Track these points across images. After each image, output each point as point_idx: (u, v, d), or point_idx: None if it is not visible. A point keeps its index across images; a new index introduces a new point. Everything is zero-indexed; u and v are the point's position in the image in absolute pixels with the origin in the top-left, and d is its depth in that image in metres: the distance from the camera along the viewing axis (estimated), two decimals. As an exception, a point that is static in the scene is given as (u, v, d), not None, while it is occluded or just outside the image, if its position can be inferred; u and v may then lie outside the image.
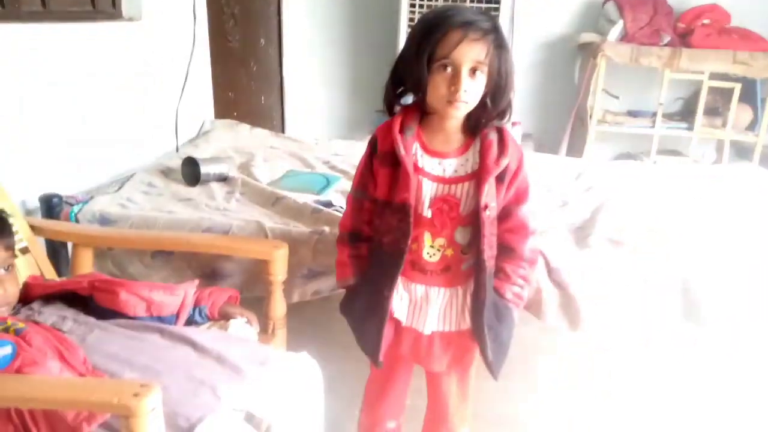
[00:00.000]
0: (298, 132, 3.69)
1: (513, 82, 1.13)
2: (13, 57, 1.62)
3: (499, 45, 1.08)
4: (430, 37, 1.06)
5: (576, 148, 3.36)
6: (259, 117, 3.36)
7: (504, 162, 1.13)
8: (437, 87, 1.08)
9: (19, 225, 1.39)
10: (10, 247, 1.18)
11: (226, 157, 2.17)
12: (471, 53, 1.05)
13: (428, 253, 1.19)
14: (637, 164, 2.55)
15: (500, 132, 1.16)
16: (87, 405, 0.88)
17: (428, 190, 1.15)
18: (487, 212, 1.13)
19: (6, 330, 1.07)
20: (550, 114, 3.57)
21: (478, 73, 1.07)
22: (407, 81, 1.14)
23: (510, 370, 1.97)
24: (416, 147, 1.16)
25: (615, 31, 3.12)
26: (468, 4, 3.05)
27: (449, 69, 1.06)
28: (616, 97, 3.35)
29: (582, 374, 2.03)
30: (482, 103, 1.13)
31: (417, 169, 1.15)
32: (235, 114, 2.98)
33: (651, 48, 3.04)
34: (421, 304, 1.22)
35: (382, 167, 1.17)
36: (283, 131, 3.61)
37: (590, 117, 3.17)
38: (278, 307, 1.46)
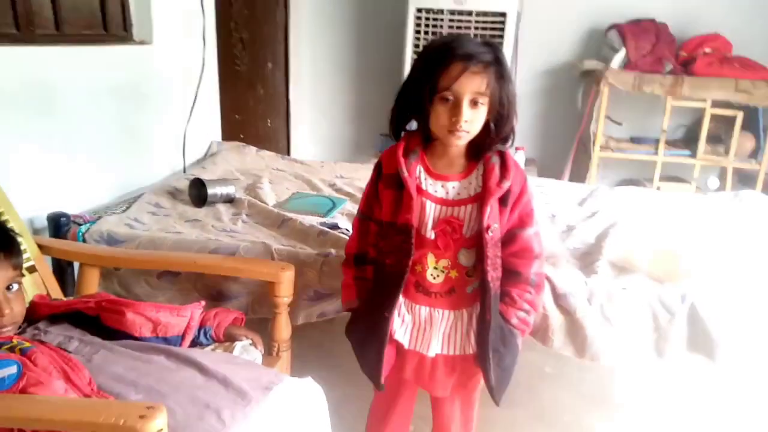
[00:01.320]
0: (304, 155, 3.72)
1: (515, 110, 1.16)
2: (26, 79, 1.64)
3: (501, 76, 1.10)
4: (433, 69, 1.09)
5: (579, 174, 3.37)
6: (265, 140, 3.39)
7: (506, 185, 1.14)
8: (439, 117, 1.11)
9: (26, 244, 1.40)
10: (18, 266, 1.18)
11: (232, 179, 2.19)
12: (472, 85, 1.07)
13: (432, 275, 1.19)
14: (641, 190, 2.55)
15: (502, 156, 1.17)
16: (93, 427, 0.87)
17: (431, 211, 1.17)
18: (490, 233, 1.14)
19: (12, 349, 1.07)
20: (554, 140, 3.60)
21: (479, 103, 1.09)
22: (411, 108, 1.17)
23: (515, 397, 1.97)
24: (420, 170, 1.18)
25: (618, 59, 3.15)
26: (473, 30, 3.09)
27: (450, 100, 1.09)
28: (619, 124, 3.37)
29: (589, 402, 2.00)
30: (485, 129, 1.16)
31: (420, 191, 1.17)
32: (242, 136, 3.01)
33: (653, 76, 3.07)
34: (425, 327, 1.22)
35: (387, 189, 1.19)
36: (288, 154, 3.63)
37: (593, 143, 3.19)
38: (284, 329, 1.45)
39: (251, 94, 3.21)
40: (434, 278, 1.20)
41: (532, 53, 3.45)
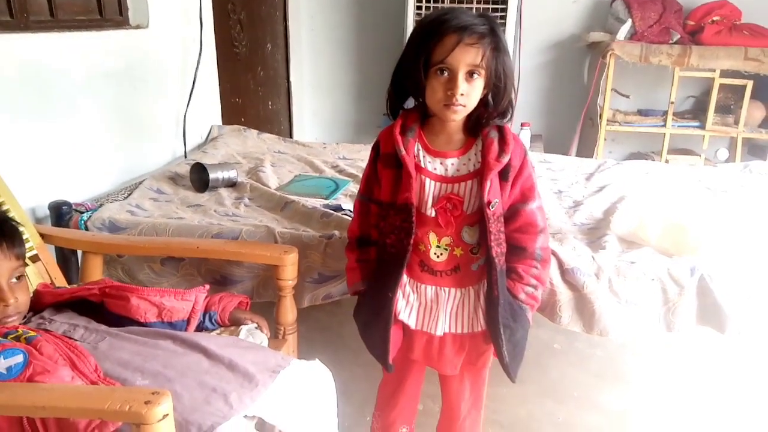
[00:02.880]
0: (306, 137, 3.69)
1: (512, 82, 1.14)
2: (22, 66, 1.62)
3: (496, 47, 1.08)
4: (427, 42, 1.07)
5: (586, 149, 3.33)
6: (267, 122, 3.37)
7: (505, 159, 1.12)
8: (435, 91, 1.09)
9: (29, 233, 1.39)
10: (20, 256, 1.18)
11: (234, 163, 2.17)
12: (467, 57, 1.05)
13: (435, 254, 1.19)
14: (649, 163, 2.52)
15: (501, 130, 1.15)
16: (98, 413, 0.87)
17: (431, 189, 1.16)
18: (491, 208, 1.13)
19: (17, 339, 1.07)
20: (560, 115, 3.55)
21: (475, 76, 1.08)
22: (407, 85, 1.15)
23: (524, 374, 1.96)
24: (418, 148, 1.17)
25: (624, 30, 3.09)
26: (474, 5, 3.03)
27: (446, 73, 1.07)
28: (627, 96, 3.32)
29: (597, 378, 2.00)
30: (483, 104, 1.14)
31: (419, 169, 1.16)
32: (243, 120, 2.99)
33: (661, 46, 3.02)
34: (431, 306, 1.21)
35: (385, 169, 1.18)
36: (290, 136, 3.61)
37: (600, 117, 3.14)
38: (289, 312, 1.44)
39: (251, 77, 3.18)
40: (438, 257, 1.19)
41: (537, 27, 3.39)
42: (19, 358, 1.02)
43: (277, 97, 3.50)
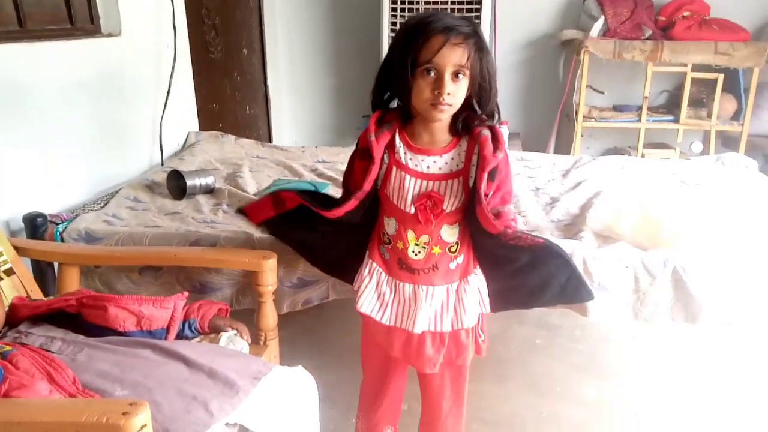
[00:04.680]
0: (285, 141, 3.68)
1: (496, 83, 1.16)
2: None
3: (480, 48, 1.10)
4: (413, 43, 1.08)
5: (564, 146, 3.37)
6: (245, 127, 3.35)
7: (500, 156, 1.13)
8: (421, 91, 1.10)
9: (3, 247, 1.37)
10: (-7, 270, 1.17)
11: (211, 169, 2.16)
12: (453, 57, 1.07)
13: (413, 251, 1.20)
14: (624, 158, 2.56)
15: (493, 130, 1.17)
16: (75, 427, 0.86)
17: (411, 186, 1.17)
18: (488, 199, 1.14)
19: (-8, 354, 1.05)
20: (537, 112, 3.59)
21: (460, 76, 1.09)
22: (392, 86, 1.17)
23: (506, 369, 1.99)
24: (399, 145, 1.18)
25: (597, 27, 3.13)
26: (449, 6, 3.05)
27: (432, 73, 1.08)
28: (602, 93, 3.37)
29: (580, 372, 2.02)
30: (467, 105, 1.16)
31: (400, 165, 1.17)
32: (220, 125, 2.97)
33: (633, 42, 3.06)
34: (409, 304, 1.22)
35: (361, 161, 1.20)
36: (269, 140, 3.59)
37: (576, 113, 3.18)
38: (269, 318, 1.44)
39: (227, 82, 3.16)
40: (416, 255, 1.20)
41: (511, 26, 3.42)
42: (-7, 374, 1.01)
43: (254, 102, 3.48)
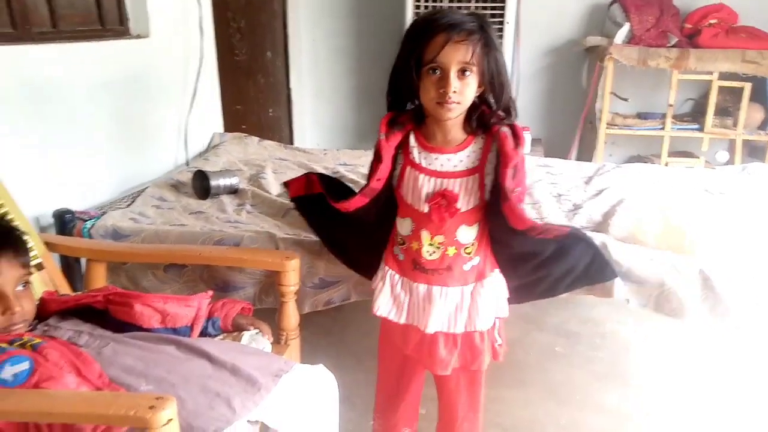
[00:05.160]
0: (306, 143, 3.71)
1: (506, 78, 1.15)
2: (25, 77, 1.64)
3: (486, 44, 1.09)
4: (417, 43, 1.09)
5: (586, 153, 3.34)
6: (267, 129, 3.38)
7: (521, 152, 1.13)
8: (427, 90, 1.10)
9: (33, 242, 1.40)
10: (26, 265, 1.19)
11: (235, 170, 2.19)
12: (457, 55, 1.07)
13: (428, 251, 1.19)
14: (648, 166, 2.53)
15: (512, 127, 1.16)
16: (104, 419, 0.88)
17: (424, 184, 1.17)
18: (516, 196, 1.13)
19: (23, 346, 1.08)
20: (559, 119, 3.57)
21: (467, 73, 1.09)
22: (401, 87, 1.17)
23: (525, 376, 1.98)
24: (414, 144, 1.18)
25: (621, 34, 3.11)
26: (473, 9, 3.05)
27: (437, 72, 1.08)
28: (625, 100, 3.34)
29: (600, 380, 2.01)
30: (482, 101, 1.16)
31: (413, 165, 1.18)
32: (244, 127, 3.00)
33: (659, 49, 3.03)
34: (423, 304, 1.22)
35: (376, 163, 1.21)
36: (291, 143, 3.62)
37: (599, 120, 3.16)
38: (291, 317, 1.46)
39: (251, 84, 3.20)
40: (430, 255, 1.19)
41: (534, 32, 3.41)
42: (25, 365, 1.03)
43: (277, 104, 3.51)
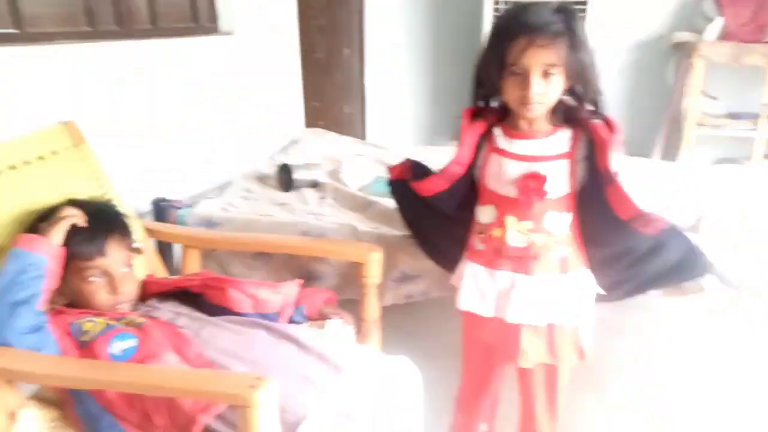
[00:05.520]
0: (380, 140, 3.74)
1: (594, 74, 1.11)
2: (128, 71, 1.74)
3: (572, 45, 1.06)
4: (500, 43, 1.08)
5: (670, 153, 3.21)
6: (342, 125, 3.44)
7: (618, 137, 1.10)
8: (510, 91, 1.10)
9: (136, 227, 1.49)
10: (130, 248, 1.27)
11: (316, 164, 2.24)
12: (540, 58, 1.05)
13: (513, 238, 1.17)
14: (740, 168, 2.40)
15: (605, 118, 1.14)
16: (207, 395, 0.93)
17: (510, 169, 1.16)
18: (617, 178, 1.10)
19: (128, 324, 1.15)
20: (641, 118, 3.43)
21: (551, 74, 1.07)
22: (486, 85, 1.17)
23: (605, 382, 1.92)
24: (499, 133, 1.18)
25: (713, 29, 2.95)
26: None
27: (520, 73, 1.07)
28: (715, 99, 3.17)
29: (686, 393, 1.92)
30: (570, 93, 1.14)
31: (498, 150, 1.17)
32: (320, 123, 3.07)
33: (754, 46, 2.86)
34: (507, 293, 1.19)
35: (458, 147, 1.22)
36: (364, 139, 3.67)
37: (686, 120, 3.02)
38: (372, 309, 1.48)
39: (329, 81, 3.26)
40: (516, 242, 1.17)
41: (618, 27, 3.29)
42: (132, 342, 1.10)
43: (352, 101, 3.57)
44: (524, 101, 1.08)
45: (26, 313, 1.04)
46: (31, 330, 1.04)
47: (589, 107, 1.14)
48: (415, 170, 1.32)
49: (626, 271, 1.23)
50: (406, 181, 1.31)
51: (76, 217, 1.18)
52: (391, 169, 1.39)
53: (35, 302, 1.06)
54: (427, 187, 1.25)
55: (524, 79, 1.06)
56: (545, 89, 1.07)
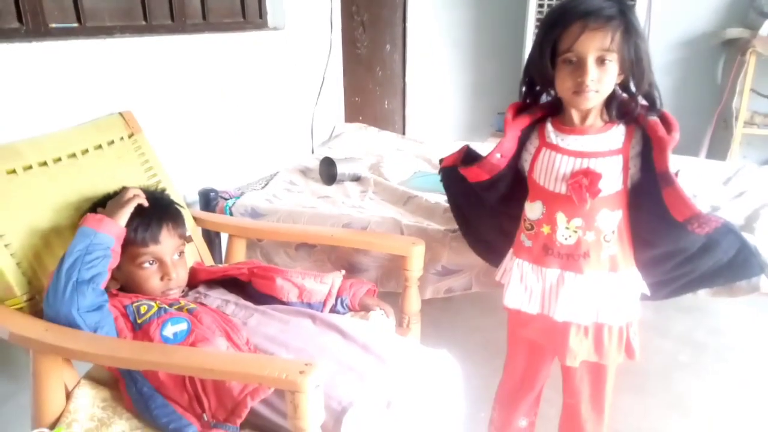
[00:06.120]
0: (419, 135, 3.75)
1: (649, 64, 1.08)
2: (181, 64, 1.79)
3: (626, 30, 1.04)
4: (553, 32, 1.06)
5: (717, 152, 3.12)
6: (382, 121, 3.46)
7: (677, 136, 1.07)
8: (563, 80, 1.08)
9: (185, 216, 1.54)
10: (182, 236, 1.31)
11: (358, 158, 2.26)
12: (594, 43, 1.03)
13: (563, 236, 1.16)
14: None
15: (661, 114, 1.11)
16: (257, 378, 0.96)
17: (562, 164, 1.14)
18: (678, 177, 1.07)
19: (180, 309, 1.19)
20: (689, 116, 3.29)
21: (606, 61, 1.04)
22: (536, 77, 1.15)
23: (647, 385, 1.89)
24: (551, 129, 1.16)
25: (768, 25, 2.86)
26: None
27: (574, 61, 1.05)
28: (767, 97, 3.07)
29: (725, 392, 1.88)
30: (623, 88, 1.11)
31: (550, 145, 1.16)
32: (361, 118, 3.09)
33: (811, 42, 2.76)
34: (555, 291, 1.18)
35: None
36: (403, 135, 3.68)
37: (736, 119, 2.93)
38: (413, 301, 1.49)
39: (370, 77, 3.28)
40: (565, 239, 1.15)
41: (667, 22, 3.21)
42: (183, 326, 1.14)
43: (392, 97, 3.58)
44: (579, 89, 1.05)
45: (90, 293, 1.08)
46: (94, 308, 1.09)
47: (644, 102, 1.12)
48: (467, 156, 1.30)
49: (675, 270, 1.20)
50: (455, 167, 1.30)
51: (142, 198, 1.22)
52: (446, 158, 1.38)
53: (100, 282, 1.11)
54: (470, 174, 1.25)
55: (578, 66, 1.04)
56: (600, 76, 1.04)
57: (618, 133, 1.13)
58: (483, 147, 1.30)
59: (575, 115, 1.14)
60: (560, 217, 1.15)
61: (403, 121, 3.78)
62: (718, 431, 1.72)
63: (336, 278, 1.37)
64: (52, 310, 1.08)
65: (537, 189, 1.19)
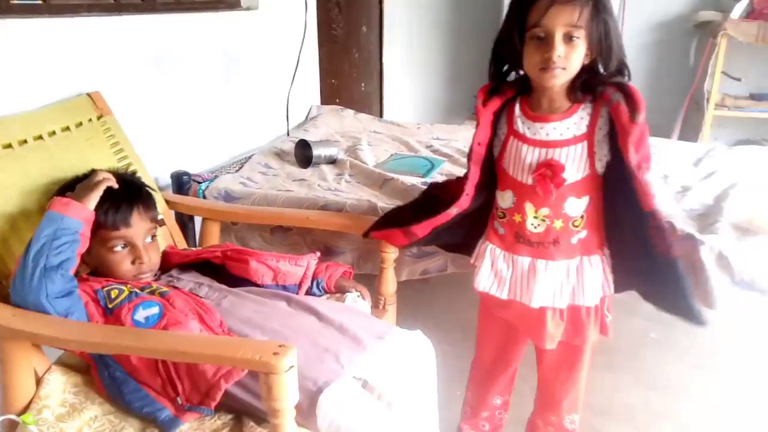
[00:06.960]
0: (396, 118, 3.74)
1: (618, 43, 1.07)
2: (150, 46, 1.75)
3: (596, 6, 1.03)
4: (521, 6, 1.05)
5: (689, 134, 3.17)
6: (360, 103, 3.43)
7: (640, 118, 1.04)
8: (531, 56, 1.06)
9: (157, 199, 1.51)
10: (154, 219, 1.29)
11: (334, 141, 2.25)
12: (562, 17, 1.02)
13: (532, 224, 1.16)
14: (763, 149, 2.37)
15: (624, 89, 1.07)
16: (231, 361, 0.95)
17: (528, 155, 1.14)
18: (642, 172, 1.06)
19: (152, 293, 1.18)
20: (662, 98, 3.37)
21: (574, 38, 1.03)
22: (505, 55, 1.14)
23: (618, 360, 1.93)
24: (519, 113, 1.15)
25: (739, 8, 2.89)
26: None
27: (542, 37, 1.04)
28: (738, 80, 3.12)
29: (694, 368, 1.93)
30: (590, 68, 1.09)
31: (516, 135, 1.15)
32: (337, 101, 3.06)
33: (781, 25, 2.80)
34: (527, 278, 1.19)
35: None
36: (381, 117, 3.66)
37: (707, 101, 2.98)
38: (390, 283, 1.49)
39: (346, 58, 3.25)
40: (535, 228, 1.16)
41: (642, 4, 3.24)
42: (155, 310, 1.13)
43: (369, 79, 3.55)
44: (546, 65, 1.04)
45: (59, 279, 1.06)
46: (63, 294, 1.07)
47: (611, 79, 1.10)
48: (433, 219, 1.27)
49: (633, 263, 1.18)
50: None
51: (112, 181, 1.20)
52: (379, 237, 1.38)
53: (68, 267, 1.08)
54: (458, 206, 1.22)
55: (546, 42, 1.03)
56: (567, 53, 1.03)
57: (584, 115, 1.12)
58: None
59: (542, 98, 1.13)
60: (528, 207, 1.16)
61: (380, 104, 3.76)
62: (686, 405, 1.77)
63: (311, 260, 1.36)
64: (20, 298, 1.05)
65: (507, 179, 1.19)
